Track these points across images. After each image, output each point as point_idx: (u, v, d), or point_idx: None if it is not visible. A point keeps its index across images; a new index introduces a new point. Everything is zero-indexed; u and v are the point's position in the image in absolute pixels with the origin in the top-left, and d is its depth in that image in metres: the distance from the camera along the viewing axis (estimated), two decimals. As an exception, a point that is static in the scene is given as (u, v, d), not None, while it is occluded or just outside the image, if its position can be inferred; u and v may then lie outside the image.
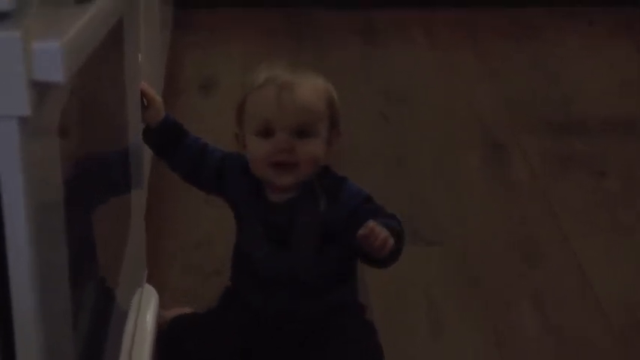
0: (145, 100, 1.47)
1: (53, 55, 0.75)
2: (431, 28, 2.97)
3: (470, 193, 2.15)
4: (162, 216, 1.97)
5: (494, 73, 2.73)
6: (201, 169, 1.52)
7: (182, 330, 1.55)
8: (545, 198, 2.13)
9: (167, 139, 1.51)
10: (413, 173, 2.22)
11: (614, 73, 2.77)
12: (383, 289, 1.76)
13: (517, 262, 1.91)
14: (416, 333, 1.70)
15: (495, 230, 2.01)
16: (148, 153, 1.60)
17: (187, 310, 1.62)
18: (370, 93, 2.57)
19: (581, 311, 1.77)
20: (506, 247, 1.96)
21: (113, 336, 1.25)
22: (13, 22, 0.74)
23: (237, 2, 3.05)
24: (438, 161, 2.28)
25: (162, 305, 1.57)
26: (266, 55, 2.76)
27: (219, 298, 1.58)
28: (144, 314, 1.47)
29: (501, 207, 2.10)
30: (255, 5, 3.05)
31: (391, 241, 1.35)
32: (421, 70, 2.74)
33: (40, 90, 0.77)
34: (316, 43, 2.85)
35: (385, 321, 1.66)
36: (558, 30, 3.01)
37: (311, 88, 1.44)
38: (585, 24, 3.04)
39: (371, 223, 1.34)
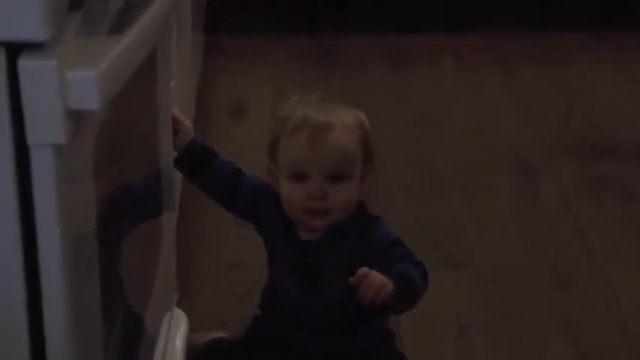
0: (175, 125, 1.48)
1: (88, 83, 0.76)
2: (459, 53, 2.98)
3: (500, 217, 2.15)
4: (192, 238, 1.98)
5: (524, 97, 2.72)
6: (234, 194, 1.50)
7: (210, 358, 1.55)
8: (575, 222, 2.12)
9: (197, 161, 1.50)
10: (443, 198, 2.22)
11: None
12: (412, 314, 1.76)
13: (548, 286, 1.90)
14: (446, 358, 1.69)
15: (526, 254, 2.01)
16: (178, 176, 1.61)
17: (218, 333, 1.63)
18: (399, 118, 2.57)
19: (613, 336, 1.76)
20: (536, 271, 1.95)
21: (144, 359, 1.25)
22: (48, 52, 0.75)
23: (267, 27, 3.07)
24: (468, 185, 2.28)
25: (193, 328, 1.57)
26: (296, 79, 2.77)
27: (247, 328, 1.58)
28: (173, 339, 1.47)
29: (532, 231, 2.10)
30: (284, 30, 3.07)
31: (388, 289, 1.30)
32: (450, 95, 2.74)
33: (75, 118, 0.78)
34: (345, 68, 2.86)
35: (414, 348, 1.66)
36: (587, 54, 3.00)
37: (344, 129, 1.41)
38: (614, 47, 3.03)
39: (364, 270, 1.30)
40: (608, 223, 2.13)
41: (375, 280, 1.30)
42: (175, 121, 1.48)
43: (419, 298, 1.40)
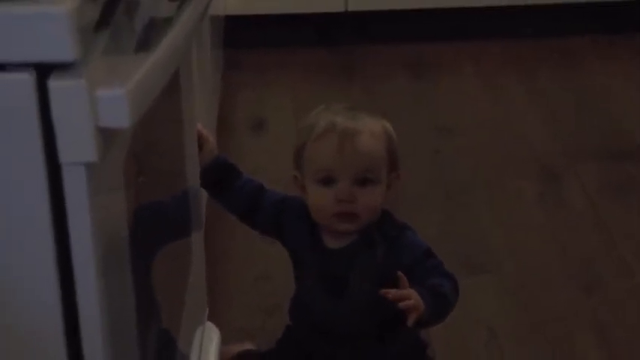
0: (199, 141, 1.49)
1: (118, 102, 0.76)
2: (479, 60, 2.98)
3: (526, 223, 2.14)
4: (219, 252, 1.98)
5: (543, 103, 2.72)
6: (257, 211, 1.51)
7: None
8: (602, 225, 2.12)
9: (220, 179, 1.51)
10: (467, 205, 2.22)
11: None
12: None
13: (577, 291, 1.89)
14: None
15: (553, 259, 2.00)
16: (204, 191, 1.62)
17: (248, 346, 1.63)
18: (421, 127, 2.57)
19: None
20: (565, 276, 1.95)
21: (177, 376, 1.26)
22: (78, 71, 0.76)
23: (285, 42, 3.08)
24: (492, 192, 2.27)
25: (223, 342, 1.58)
26: (315, 92, 2.78)
27: (278, 339, 1.59)
28: (206, 353, 1.48)
29: (559, 236, 2.09)
30: (302, 44, 3.08)
31: (419, 308, 1.31)
32: (471, 102, 2.74)
33: (106, 136, 0.78)
34: (364, 79, 2.86)
35: (445, 355, 1.66)
36: (602, 58, 3.00)
37: (371, 134, 1.42)
38: (628, 51, 3.03)
39: (394, 291, 1.32)
40: (634, 225, 2.12)
41: (410, 298, 1.31)
42: (200, 137, 1.48)
43: (450, 312, 1.41)
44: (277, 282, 1.86)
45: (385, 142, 1.44)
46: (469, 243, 2.04)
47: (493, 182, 2.32)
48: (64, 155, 0.77)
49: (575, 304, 1.86)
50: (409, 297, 1.31)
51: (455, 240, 2.04)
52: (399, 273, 1.34)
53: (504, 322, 1.80)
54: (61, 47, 0.75)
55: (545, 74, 2.91)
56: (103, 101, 0.76)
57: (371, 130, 1.43)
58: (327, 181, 1.41)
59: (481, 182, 2.32)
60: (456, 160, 2.42)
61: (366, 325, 1.47)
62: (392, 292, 1.32)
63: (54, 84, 0.75)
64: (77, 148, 0.76)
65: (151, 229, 1.10)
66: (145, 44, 0.90)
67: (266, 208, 1.50)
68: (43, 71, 0.76)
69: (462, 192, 2.27)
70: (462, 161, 2.42)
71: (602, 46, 3.05)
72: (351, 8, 3.04)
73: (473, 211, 2.19)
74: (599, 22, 3.12)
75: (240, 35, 3.00)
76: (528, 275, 1.94)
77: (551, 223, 2.14)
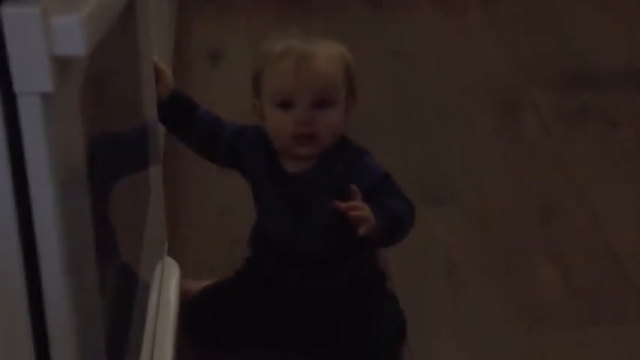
0: (155, 75, 1.47)
1: (73, 29, 0.74)
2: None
3: (484, 153, 2.15)
4: (178, 187, 1.97)
5: (503, 30, 2.72)
6: (216, 143, 1.51)
7: (203, 303, 1.56)
8: (559, 153, 2.13)
9: (177, 112, 1.50)
10: (425, 135, 2.22)
11: (622, 25, 2.75)
12: (400, 252, 1.76)
13: (534, 218, 1.91)
14: (437, 296, 1.70)
15: (511, 188, 2.02)
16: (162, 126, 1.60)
17: (207, 282, 1.63)
18: (381, 57, 2.56)
19: (600, 265, 1.77)
20: (522, 204, 1.96)
21: (138, 309, 1.25)
22: (31, -1, 0.74)
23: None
24: (450, 122, 2.28)
25: (183, 276, 1.58)
26: (273, 22, 2.75)
27: (237, 270, 1.59)
28: (166, 287, 1.48)
29: (516, 164, 2.10)
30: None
31: (369, 221, 1.33)
32: (431, 33, 2.73)
33: (61, 65, 0.77)
34: (322, 9, 2.83)
35: (405, 286, 1.67)
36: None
37: (328, 57, 1.43)
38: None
39: (353, 202, 1.34)
40: (591, 152, 2.14)
41: (362, 212, 1.33)
42: (156, 71, 1.47)
43: (405, 235, 1.43)
44: (237, 216, 1.86)
45: (342, 65, 1.45)
46: (427, 172, 2.04)
47: (451, 111, 2.32)
48: (19, 85, 0.75)
49: (532, 230, 1.87)
50: (360, 208, 1.33)
51: (412, 169, 2.04)
52: (352, 185, 1.36)
53: (463, 250, 1.81)
54: (13, -27, 0.73)
55: (504, 2, 2.90)
56: (57, 29, 0.74)
57: (328, 52, 1.43)
58: (285, 104, 1.42)
59: (439, 111, 2.32)
60: (414, 90, 2.42)
61: (326, 249, 1.48)
62: (343, 204, 1.33)
63: (7, 12, 0.73)
64: (32, 77, 0.75)
65: (109, 161, 1.09)
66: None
67: (225, 139, 1.50)
68: (-4, -1, 0.73)
69: (419, 120, 2.27)
70: (420, 91, 2.41)
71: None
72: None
73: (430, 140, 2.19)
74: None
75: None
76: (486, 204, 1.95)
77: (508, 152, 2.15)
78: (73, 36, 0.75)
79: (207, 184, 1.99)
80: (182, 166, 2.00)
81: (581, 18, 2.78)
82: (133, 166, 1.30)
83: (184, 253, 1.73)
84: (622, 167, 2.08)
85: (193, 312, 1.56)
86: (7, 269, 0.80)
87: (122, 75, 1.20)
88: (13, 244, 0.80)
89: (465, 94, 2.40)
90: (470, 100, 2.37)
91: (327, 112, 1.42)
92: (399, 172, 1.48)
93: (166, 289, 1.47)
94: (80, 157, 0.87)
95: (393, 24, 2.77)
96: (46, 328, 0.84)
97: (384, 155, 1.50)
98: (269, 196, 1.49)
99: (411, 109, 2.32)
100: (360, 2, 2.88)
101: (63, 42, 0.75)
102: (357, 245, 1.44)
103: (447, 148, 2.16)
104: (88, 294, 0.91)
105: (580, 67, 2.51)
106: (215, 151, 1.52)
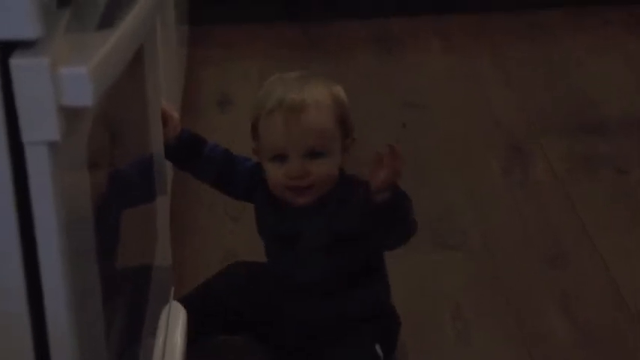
0: (163, 118, 1.49)
1: (81, 80, 0.76)
2: (446, 34, 2.97)
3: (492, 198, 2.15)
4: (185, 232, 1.98)
5: (512, 77, 2.72)
6: (232, 174, 1.55)
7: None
8: (567, 199, 2.13)
9: (187, 151, 1.54)
10: (434, 180, 2.22)
11: (631, 72, 2.76)
12: (407, 295, 1.76)
13: (543, 264, 1.90)
14: (444, 341, 1.69)
15: (519, 233, 2.01)
16: (168, 172, 1.62)
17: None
18: (388, 101, 2.57)
19: (608, 309, 1.77)
20: (531, 250, 1.95)
21: (144, 353, 1.25)
22: (40, 50, 0.75)
23: (253, 17, 3.05)
24: (458, 167, 2.28)
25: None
26: (282, 68, 2.74)
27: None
28: (173, 331, 1.47)
29: (525, 209, 2.10)
30: (269, 19, 3.06)
31: (397, 178, 1.37)
32: (438, 77, 2.73)
33: (69, 114, 0.77)
34: (332, 54, 2.85)
35: (411, 329, 1.66)
36: (573, 30, 3.00)
37: (319, 107, 1.44)
38: (600, 23, 3.03)
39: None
40: (600, 198, 2.13)
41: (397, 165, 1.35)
42: (163, 114, 1.49)
43: (404, 231, 1.46)
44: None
45: (333, 111, 1.46)
46: (436, 218, 2.04)
47: (460, 157, 2.32)
48: (27, 134, 0.76)
49: (541, 276, 1.87)
50: (399, 168, 1.36)
51: (421, 215, 2.03)
52: (390, 145, 1.36)
53: (471, 296, 1.81)
54: (24, 25, 0.74)
55: (514, 48, 2.91)
56: (65, 79, 0.75)
57: (317, 103, 1.45)
58: (279, 158, 1.45)
59: (447, 157, 2.32)
60: (422, 135, 2.42)
61: (321, 282, 1.51)
62: (391, 152, 1.35)
63: (16, 62, 0.74)
64: (40, 127, 0.76)
65: (116, 207, 1.09)
66: (108, 21, 0.89)
67: (241, 173, 1.55)
68: (6, 49, 0.75)
69: (429, 167, 2.27)
70: (428, 136, 2.42)
71: (573, 18, 3.05)
72: (317, -17, 3.03)
73: (439, 187, 2.19)
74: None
75: (205, 10, 2.98)
76: (494, 249, 1.95)
77: (516, 198, 2.15)
78: (82, 87, 0.76)
79: (213, 228, 1.99)
80: (189, 210, 2.01)
81: (592, 64, 2.79)
82: (140, 211, 1.30)
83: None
84: (631, 213, 2.08)
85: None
86: (14, 314, 0.81)
87: (130, 119, 1.21)
88: (19, 290, 0.80)
89: (474, 139, 2.40)
90: (479, 146, 2.37)
91: (321, 162, 1.44)
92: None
93: (172, 333, 1.47)
94: (87, 204, 0.88)
95: (401, 69, 2.77)
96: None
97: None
98: (266, 230, 1.54)
99: (421, 155, 2.32)
100: (370, 48, 2.90)
101: (71, 92, 0.76)
102: (352, 276, 1.48)
103: (456, 194, 2.16)
104: (94, 335, 0.91)
105: (589, 113, 2.51)
106: (231, 182, 1.56)
